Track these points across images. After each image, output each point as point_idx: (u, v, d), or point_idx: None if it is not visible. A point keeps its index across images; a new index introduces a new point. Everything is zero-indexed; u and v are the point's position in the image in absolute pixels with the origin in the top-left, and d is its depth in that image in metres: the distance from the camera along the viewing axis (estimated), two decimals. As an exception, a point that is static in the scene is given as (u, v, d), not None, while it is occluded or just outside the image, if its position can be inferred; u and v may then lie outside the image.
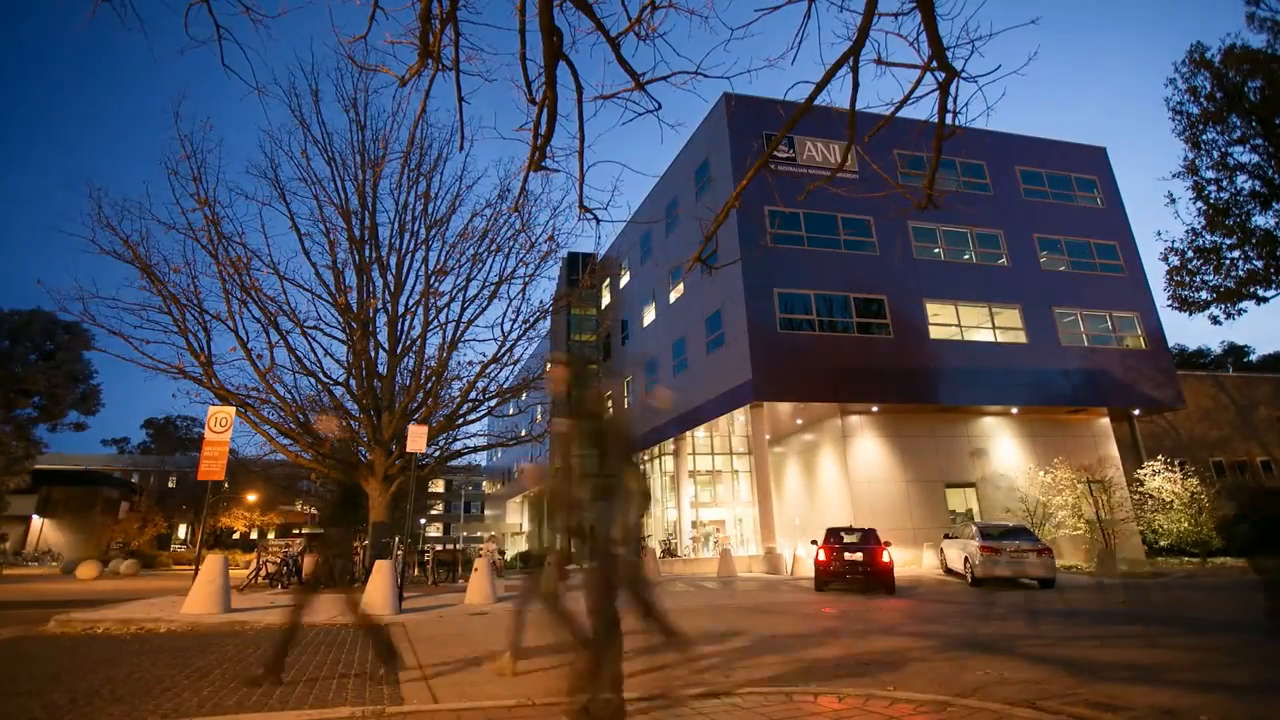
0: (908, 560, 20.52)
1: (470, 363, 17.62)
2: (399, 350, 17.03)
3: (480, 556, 14.24)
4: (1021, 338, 23.43)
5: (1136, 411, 24.61)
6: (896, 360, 21.63)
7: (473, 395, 17.32)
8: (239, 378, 16.30)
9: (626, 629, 3.60)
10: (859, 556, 13.39)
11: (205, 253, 14.83)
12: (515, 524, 54.83)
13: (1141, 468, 21.33)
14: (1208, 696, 4.30)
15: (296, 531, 46.22)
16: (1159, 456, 21.92)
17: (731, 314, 21.88)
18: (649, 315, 29.71)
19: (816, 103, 4.32)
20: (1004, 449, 23.03)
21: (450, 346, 16.71)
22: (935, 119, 4.42)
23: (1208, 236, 19.15)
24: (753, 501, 23.16)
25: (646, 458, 29.90)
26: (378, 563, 10.13)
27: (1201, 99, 18.86)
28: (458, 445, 20.78)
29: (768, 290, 21.24)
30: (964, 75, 4.18)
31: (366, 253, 16.79)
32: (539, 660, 5.99)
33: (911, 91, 4.34)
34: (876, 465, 21.81)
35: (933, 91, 4.30)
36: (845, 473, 21.53)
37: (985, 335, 23.21)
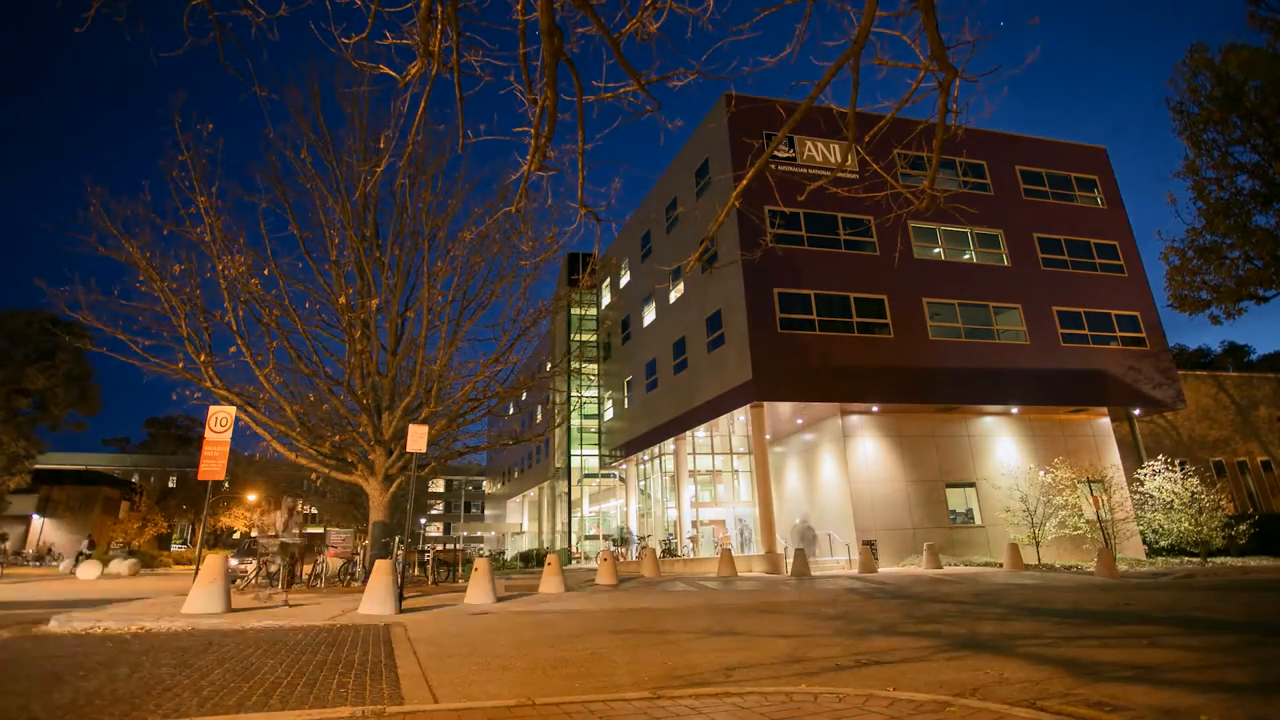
0: (908, 560, 20.53)
1: (471, 363, 17.63)
2: (399, 350, 17.03)
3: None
4: (1022, 338, 23.44)
5: (1136, 411, 24.61)
6: (896, 360, 21.63)
7: (473, 395, 17.33)
8: (239, 377, 16.29)
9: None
10: None
11: (205, 252, 14.83)
12: (515, 524, 54.89)
13: (1141, 468, 21.33)
14: (1208, 696, 4.30)
15: (296, 531, 46.28)
16: (1159, 456, 21.91)
17: (731, 314, 21.88)
18: (649, 315, 29.71)
19: (816, 103, 4.32)
20: (1004, 449, 23.03)
21: (450, 346, 16.71)
22: (935, 119, 4.42)
23: (1208, 236, 19.13)
24: (753, 501, 23.17)
25: (647, 458, 29.91)
26: (378, 563, 10.13)
27: (1202, 99, 18.84)
28: (458, 445, 20.78)
29: (768, 290, 21.23)
30: (964, 75, 4.18)
31: (367, 252, 16.81)
32: (539, 660, 6.00)
33: (912, 92, 4.34)
34: (876, 465, 21.81)
35: (933, 91, 4.31)
36: (845, 473, 21.53)
37: (985, 335, 23.22)
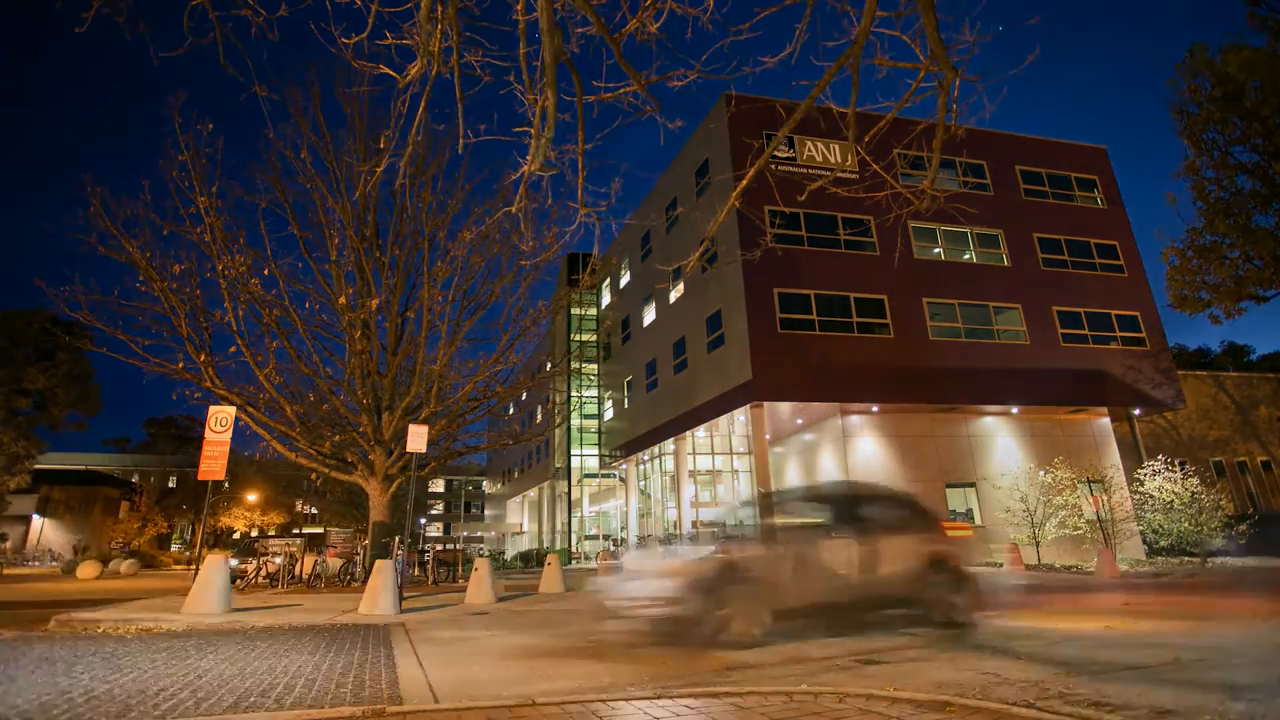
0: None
1: (471, 363, 17.63)
2: (399, 350, 17.04)
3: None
4: (1022, 338, 23.43)
5: (1137, 411, 24.60)
6: (896, 360, 21.62)
7: (473, 395, 17.34)
8: (239, 377, 16.29)
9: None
10: None
11: (205, 252, 14.83)
12: (515, 524, 54.88)
13: (1141, 468, 21.31)
14: (1208, 696, 4.30)
15: (296, 531, 46.28)
16: (1159, 456, 21.89)
17: (731, 314, 21.88)
18: (649, 315, 29.71)
19: (816, 103, 4.32)
20: (1004, 449, 23.02)
21: (450, 346, 16.72)
22: (935, 119, 4.42)
23: (1208, 236, 19.14)
24: (753, 501, 23.14)
25: (647, 458, 29.90)
26: (378, 563, 10.13)
27: (1202, 99, 18.85)
28: (458, 445, 20.78)
29: (768, 290, 21.23)
30: (964, 75, 4.18)
31: (367, 252, 16.82)
32: (539, 660, 6.00)
33: (911, 91, 4.34)
34: (876, 465, 21.80)
35: (933, 91, 4.31)
36: (845, 473, 21.52)
37: (985, 335, 23.21)
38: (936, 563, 7.73)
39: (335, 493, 41.39)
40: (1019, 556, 18.32)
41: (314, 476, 32.59)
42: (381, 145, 16.57)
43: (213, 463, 11.62)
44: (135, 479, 53.77)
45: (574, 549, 36.90)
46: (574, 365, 36.95)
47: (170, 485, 53.88)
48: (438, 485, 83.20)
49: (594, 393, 38.32)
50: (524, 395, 43.13)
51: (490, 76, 4.11)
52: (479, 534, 74.84)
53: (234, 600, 10.52)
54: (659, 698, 4.27)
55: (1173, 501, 19.51)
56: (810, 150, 23.36)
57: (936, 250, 24.25)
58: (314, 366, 15.94)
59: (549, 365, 36.04)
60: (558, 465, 39.76)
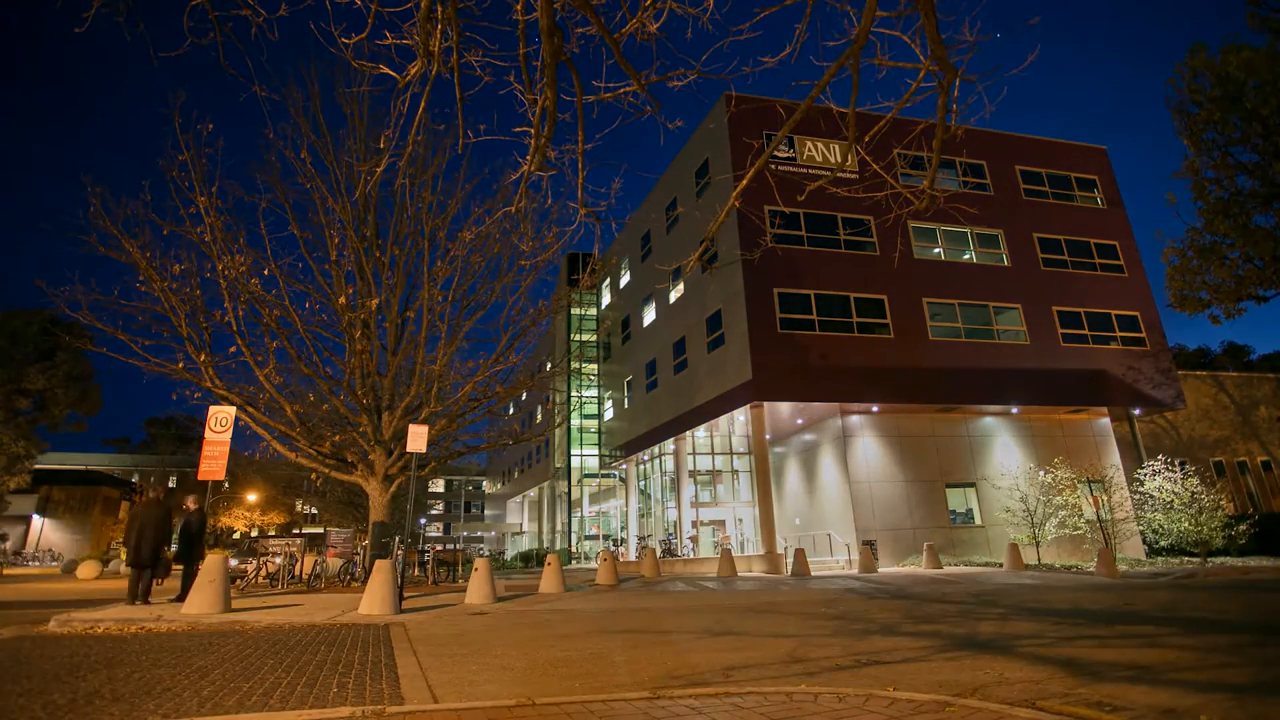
0: (908, 560, 20.52)
1: (470, 363, 17.63)
2: (399, 350, 17.04)
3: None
4: (1022, 338, 23.44)
5: (1136, 411, 24.60)
6: (896, 360, 21.63)
7: (473, 395, 17.34)
8: (239, 377, 16.28)
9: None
10: None
11: (205, 252, 14.82)
12: (515, 524, 54.90)
13: (1141, 468, 21.31)
14: (1208, 696, 4.29)
15: (296, 531, 46.31)
16: (1159, 456, 21.90)
17: (731, 314, 21.88)
18: (649, 315, 29.72)
19: (816, 103, 4.32)
20: (1004, 449, 23.03)
21: (450, 346, 16.72)
22: (935, 119, 4.42)
23: (1208, 236, 19.12)
24: (753, 501, 23.17)
25: (646, 458, 29.90)
26: (378, 562, 10.13)
27: (1202, 99, 18.83)
28: (458, 445, 20.79)
29: (768, 290, 21.24)
30: (964, 75, 4.19)
31: (367, 252, 16.81)
32: (539, 660, 6.00)
33: (911, 92, 4.34)
34: (876, 465, 21.81)
35: (933, 91, 4.31)
36: (845, 473, 21.53)
37: (985, 335, 23.22)
38: None
39: (335, 493, 41.37)
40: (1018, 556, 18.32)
41: (314, 476, 32.58)
42: (381, 145, 16.53)
43: (213, 463, 11.61)
44: (135, 479, 53.79)
45: (574, 549, 36.90)
46: (574, 365, 36.95)
47: (170, 485, 53.90)
48: (438, 485, 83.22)
49: (594, 393, 38.31)
50: (524, 395, 43.14)
51: (490, 76, 4.12)
52: (479, 534, 74.86)
53: (234, 600, 10.52)
54: (658, 698, 4.27)
55: (1173, 501, 19.52)
56: (810, 150, 23.36)
57: (936, 250, 24.26)
58: (314, 366, 15.94)
59: (549, 365, 36.04)
60: (558, 465, 39.76)
